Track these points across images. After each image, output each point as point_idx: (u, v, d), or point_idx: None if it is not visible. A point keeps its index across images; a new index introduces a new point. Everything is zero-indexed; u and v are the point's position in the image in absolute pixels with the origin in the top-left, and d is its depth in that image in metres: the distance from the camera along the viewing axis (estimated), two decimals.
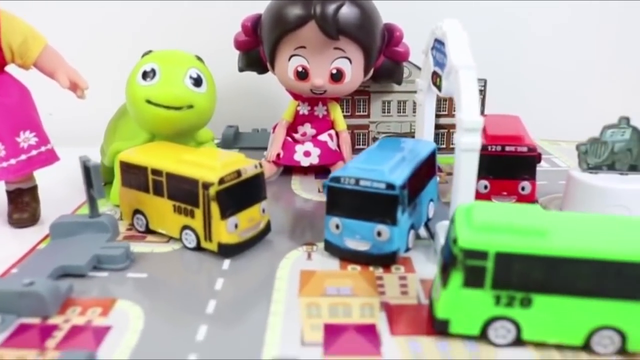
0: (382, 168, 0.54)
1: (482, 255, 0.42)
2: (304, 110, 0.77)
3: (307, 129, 0.77)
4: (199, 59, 0.67)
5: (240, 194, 0.56)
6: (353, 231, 0.55)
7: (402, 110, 0.84)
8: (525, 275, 0.42)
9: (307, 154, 0.76)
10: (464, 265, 0.42)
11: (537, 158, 0.65)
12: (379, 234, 0.54)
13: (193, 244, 0.57)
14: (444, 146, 0.86)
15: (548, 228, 0.43)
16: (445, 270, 0.44)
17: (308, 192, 0.73)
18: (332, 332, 0.45)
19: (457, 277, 0.43)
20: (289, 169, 0.78)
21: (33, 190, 0.69)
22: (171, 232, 0.59)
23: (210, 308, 0.48)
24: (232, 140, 0.90)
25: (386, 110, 0.84)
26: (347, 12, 0.68)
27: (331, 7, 0.67)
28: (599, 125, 0.62)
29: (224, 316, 0.47)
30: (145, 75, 0.63)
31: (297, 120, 0.77)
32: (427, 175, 0.62)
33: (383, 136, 0.83)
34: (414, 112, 0.84)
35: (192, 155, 0.58)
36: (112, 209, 0.68)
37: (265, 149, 0.87)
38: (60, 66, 0.66)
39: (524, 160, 0.65)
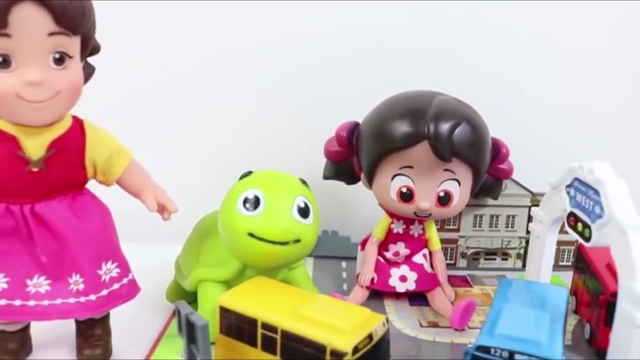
0: (538, 338, 0.48)
1: None
2: (398, 228, 0.70)
3: (401, 248, 0.70)
4: (304, 182, 0.60)
5: (370, 358, 0.49)
6: None
7: (494, 225, 0.78)
8: None
9: (403, 278, 0.69)
10: None
11: None
12: None
13: None
14: None
15: None
16: None
17: (408, 325, 0.66)
18: None
19: None
20: (379, 291, 0.71)
21: (105, 320, 0.61)
22: None
23: None
24: None
25: (477, 225, 0.78)
26: (462, 132, 0.62)
27: (446, 127, 0.61)
28: None
29: None
30: (246, 201, 0.56)
31: (390, 239, 0.70)
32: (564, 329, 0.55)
33: (498, 277, 0.77)
34: (507, 227, 0.78)
35: (311, 309, 0.51)
36: None
37: (343, 258, 0.80)
38: (147, 185, 0.59)
39: None
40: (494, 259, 0.80)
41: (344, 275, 0.78)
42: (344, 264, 0.80)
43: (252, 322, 0.52)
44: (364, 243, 0.73)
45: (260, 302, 0.53)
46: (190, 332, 0.49)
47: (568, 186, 0.57)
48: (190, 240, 0.66)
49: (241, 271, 0.60)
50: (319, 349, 0.48)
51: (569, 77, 0.87)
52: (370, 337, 0.49)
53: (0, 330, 0.58)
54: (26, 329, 0.60)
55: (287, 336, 0.50)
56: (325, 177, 0.73)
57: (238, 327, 0.53)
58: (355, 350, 0.47)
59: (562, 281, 0.75)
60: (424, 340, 0.63)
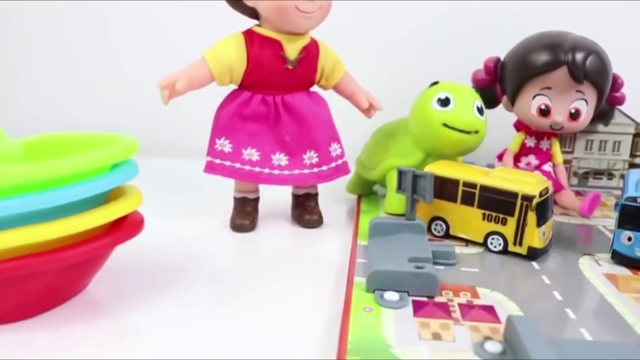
0: None
1: None
2: (530, 143, 0.87)
3: (532, 159, 0.88)
4: (477, 91, 0.78)
5: (545, 207, 0.67)
6: None
7: (602, 149, 0.96)
8: None
9: None
10: None
11: None
12: None
13: (499, 248, 0.67)
14: None
15: None
16: None
17: None
18: None
19: None
20: None
21: (317, 196, 0.79)
22: (475, 237, 0.69)
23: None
24: None
25: (588, 148, 0.96)
26: (593, 60, 0.79)
27: (581, 56, 0.79)
28: None
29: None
30: (439, 100, 0.74)
31: (522, 151, 0.88)
32: None
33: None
34: (613, 151, 0.95)
35: (499, 172, 0.69)
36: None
37: None
38: (358, 89, 0.77)
39: None
40: (601, 178, 0.97)
41: None
42: None
43: (455, 182, 0.69)
44: (500, 156, 0.90)
45: (457, 170, 0.71)
46: (415, 184, 0.67)
47: None
48: (375, 140, 0.85)
49: (424, 160, 0.78)
50: (512, 195, 0.65)
51: None
52: (547, 189, 0.67)
53: (243, 197, 0.76)
54: (259, 198, 0.78)
55: (485, 189, 0.67)
56: None
57: (441, 188, 0.70)
58: (540, 195, 0.65)
59: None
60: (560, 221, 0.80)
